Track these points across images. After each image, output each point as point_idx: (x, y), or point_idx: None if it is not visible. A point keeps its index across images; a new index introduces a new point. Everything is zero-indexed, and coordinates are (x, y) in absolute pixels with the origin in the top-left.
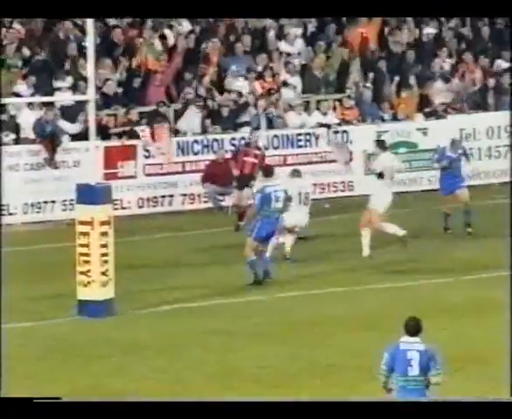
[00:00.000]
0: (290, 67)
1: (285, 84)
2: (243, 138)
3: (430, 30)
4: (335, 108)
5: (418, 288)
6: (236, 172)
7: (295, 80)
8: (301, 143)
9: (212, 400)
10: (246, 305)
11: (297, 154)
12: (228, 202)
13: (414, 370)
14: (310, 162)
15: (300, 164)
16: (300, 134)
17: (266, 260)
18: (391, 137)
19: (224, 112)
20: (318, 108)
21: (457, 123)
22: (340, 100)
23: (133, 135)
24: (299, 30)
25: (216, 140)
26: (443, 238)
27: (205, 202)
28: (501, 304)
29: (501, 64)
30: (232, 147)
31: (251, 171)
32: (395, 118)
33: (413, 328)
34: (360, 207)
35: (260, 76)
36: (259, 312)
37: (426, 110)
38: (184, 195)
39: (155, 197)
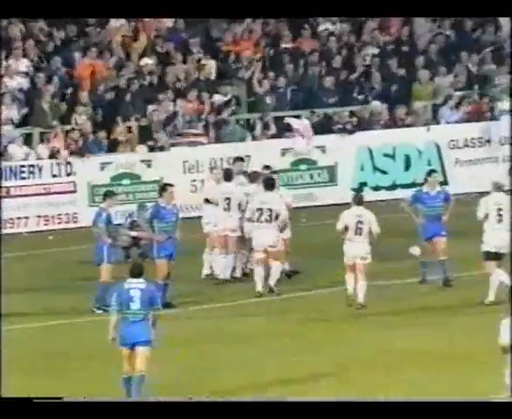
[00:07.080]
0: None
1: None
2: None
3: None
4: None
5: None
6: None
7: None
8: (25, 175)
9: (212, 400)
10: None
11: (21, 186)
12: None
13: (136, 305)
14: (35, 194)
15: (25, 196)
16: (23, 166)
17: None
18: (115, 169)
19: None
20: (43, 140)
21: (180, 155)
22: (67, 132)
23: None
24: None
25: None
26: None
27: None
28: None
29: (220, 98)
30: None
31: None
32: (113, 149)
33: (136, 271)
34: (84, 238)
35: None
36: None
37: (150, 143)
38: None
39: None
